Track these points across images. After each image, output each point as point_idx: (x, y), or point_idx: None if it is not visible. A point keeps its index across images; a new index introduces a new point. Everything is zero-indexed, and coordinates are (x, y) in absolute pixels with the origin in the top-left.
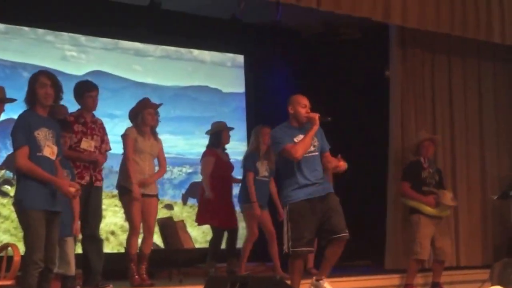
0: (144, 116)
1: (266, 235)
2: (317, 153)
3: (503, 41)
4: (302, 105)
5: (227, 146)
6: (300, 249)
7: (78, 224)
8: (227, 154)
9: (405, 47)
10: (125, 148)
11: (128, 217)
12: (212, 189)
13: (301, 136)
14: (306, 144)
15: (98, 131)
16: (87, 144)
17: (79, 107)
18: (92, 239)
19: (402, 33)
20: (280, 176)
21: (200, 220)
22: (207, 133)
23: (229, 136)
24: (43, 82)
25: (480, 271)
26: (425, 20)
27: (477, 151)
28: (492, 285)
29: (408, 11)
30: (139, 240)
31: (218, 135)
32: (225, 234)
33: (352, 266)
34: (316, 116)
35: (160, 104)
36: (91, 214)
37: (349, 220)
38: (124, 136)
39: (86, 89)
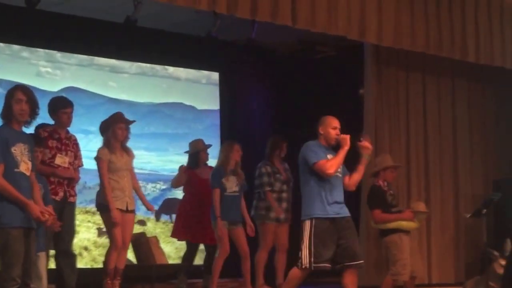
0: (115, 130)
1: (240, 252)
2: (341, 176)
3: (477, 60)
4: (332, 127)
5: None
6: (322, 265)
7: None
8: (209, 169)
9: (380, 65)
10: (100, 171)
11: (110, 233)
12: (189, 205)
13: (330, 156)
14: (339, 162)
15: (72, 147)
16: (61, 160)
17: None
18: (66, 255)
19: (377, 51)
20: (304, 190)
21: (176, 234)
22: (186, 152)
23: (207, 155)
24: (19, 97)
25: None
26: (401, 39)
27: (450, 169)
28: None
29: (384, 30)
30: None
31: (195, 157)
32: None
33: (326, 283)
34: (347, 137)
35: (133, 121)
36: (65, 230)
37: None
38: (97, 160)
39: (61, 106)
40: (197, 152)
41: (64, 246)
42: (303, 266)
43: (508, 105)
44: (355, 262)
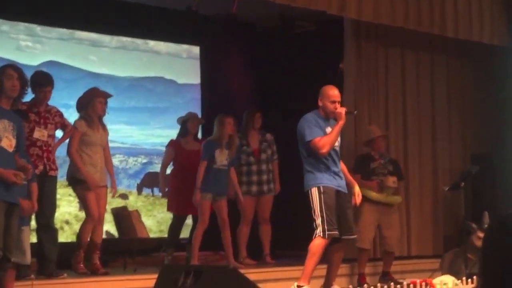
0: (95, 104)
1: (219, 222)
2: (338, 148)
3: (456, 35)
4: (331, 100)
5: None
6: (334, 232)
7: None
8: (197, 142)
9: (360, 40)
10: (71, 140)
11: (85, 206)
12: (174, 177)
13: (329, 128)
14: (333, 139)
15: (53, 119)
16: (40, 133)
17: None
18: (47, 228)
19: (357, 26)
20: (307, 162)
21: (168, 208)
22: (178, 119)
23: (196, 125)
24: (10, 74)
25: (430, 261)
26: (380, 14)
27: (429, 143)
28: (443, 274)
29: (363, 5)
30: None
31: (184, 124)
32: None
33: (304, 255)
34: (343, 111)
35: (111, 95)
36: (46, 204)
37: (301, 210)
38: (74, 128)
39: (40, 84)
40: (185, 120)
41: (45, 220)
42: (318, 235)
43: (487, 80)
44: (350, 237)
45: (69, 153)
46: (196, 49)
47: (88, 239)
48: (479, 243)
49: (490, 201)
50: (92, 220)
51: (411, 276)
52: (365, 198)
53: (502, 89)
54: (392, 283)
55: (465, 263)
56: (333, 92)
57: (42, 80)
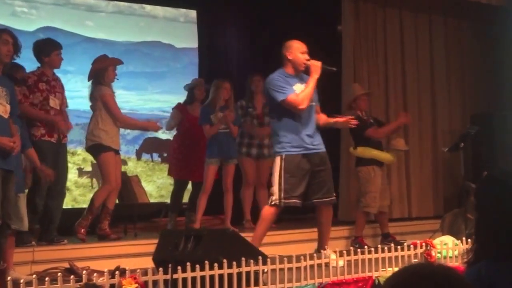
0: (109, 72)
1: (223, 188)
2: (314, 104)
3: None
4: (302, 51)
5: None
6: (292, 201)
7: None
8: None
9: (358, 1)
10: (111, 107)
11: (106, 173)
12: (177, 142)
13: (298, 85)
14: (310, 94)
15: (59, 88)
16: (53, 102)
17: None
18: (58, 194)
19: None
20: (275, 126)
21: (169, 172)
22: (184, 88)
23: (202, 92)
24: (6, 39)
25: (431, 222)
26: None
27: (428, 104)
28: (443, 235)
29: None
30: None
31: (191, 92)
32: None
33: (306, 219)
34: (319, 64)
35: (123, 62)
36: (61, 171)
37: None
38: (106, 96)
39: (54, 48)
40: (192, 88)
41: (59, 186)
42: (273, 203)
43: (485, 41)
44: (328, 199)
45: (119, 118)
46: (193, 13)
47: (100, 205)
48: None
49: (489, 162)
50: (110, 187)
51: (412, 237)
52: (375, 162)
53: (501, 50)
54: (392, 244)
55: (465, 223)
56: (302, 43)
57: (56, 44)
